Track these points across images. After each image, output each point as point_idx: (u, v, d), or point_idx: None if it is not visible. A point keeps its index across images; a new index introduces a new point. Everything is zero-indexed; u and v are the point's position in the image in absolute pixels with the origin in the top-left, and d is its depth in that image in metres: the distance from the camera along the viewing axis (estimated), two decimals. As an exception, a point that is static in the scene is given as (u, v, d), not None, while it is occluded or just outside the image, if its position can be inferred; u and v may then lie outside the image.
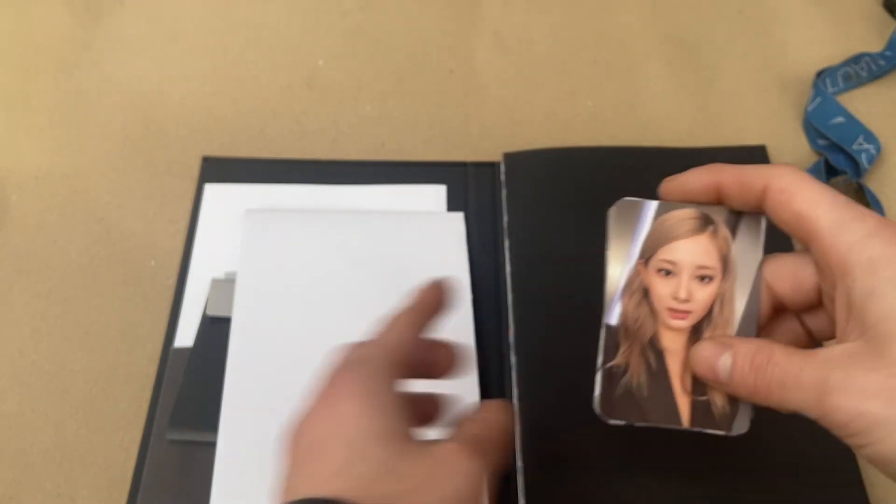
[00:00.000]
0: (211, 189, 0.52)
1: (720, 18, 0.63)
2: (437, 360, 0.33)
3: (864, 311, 0.26)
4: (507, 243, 0.49)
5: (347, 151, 0.54)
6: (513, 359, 0.45)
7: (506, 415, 0.32)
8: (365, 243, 0.49)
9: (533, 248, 0.49)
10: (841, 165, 0.53)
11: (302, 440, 0.28)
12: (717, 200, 0.32)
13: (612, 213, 0.33)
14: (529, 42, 0.61)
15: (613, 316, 0.32)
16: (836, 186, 0.51)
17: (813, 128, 0.55)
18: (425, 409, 0.34)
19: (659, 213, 0.33)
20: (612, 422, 0.31)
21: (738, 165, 0.31)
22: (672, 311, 0.32)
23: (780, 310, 0.32)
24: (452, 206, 0.51)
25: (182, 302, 0.47)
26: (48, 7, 0.62)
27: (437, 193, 0.52)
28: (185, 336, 0.46)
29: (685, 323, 0.32)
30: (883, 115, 0.56)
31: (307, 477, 0.26)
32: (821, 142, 0.55)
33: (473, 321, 0.46)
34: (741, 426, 0.31)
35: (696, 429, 0.31)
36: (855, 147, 0.53)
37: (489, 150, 0.54)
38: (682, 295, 0.32)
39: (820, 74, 0.57)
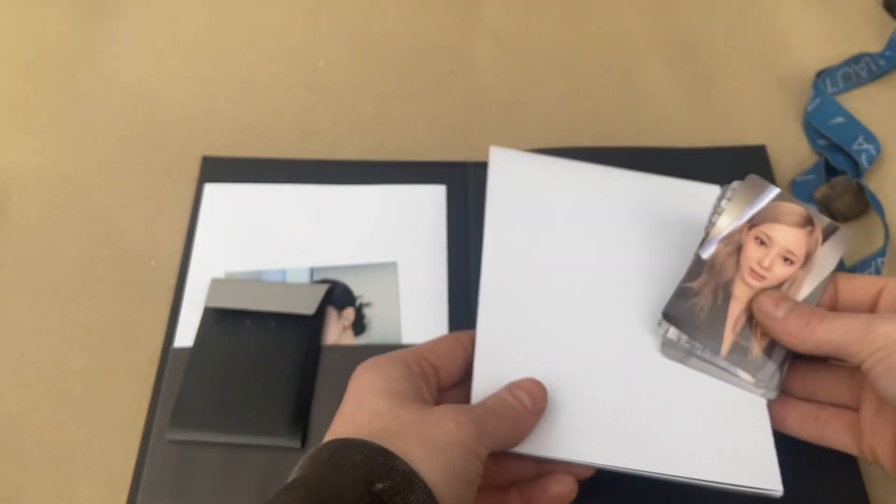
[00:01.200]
0: (210, 189, 0.52)
1: (720, 18, 0.62)
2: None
3: None
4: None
5: (348, 152, 0.54)
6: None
7: (529, 393, 0.36)
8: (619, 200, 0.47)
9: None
10: (841, 165, 0.53)
11: (340, 408, 0.34)
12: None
13: (743, 182, 0.40)
14: (529, 42, 0.61)
15: (707, 251, 0.40)
16: (836, 186, 0.51)
17: (813, 128, 0.55)
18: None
19: (777, 198, 0.40)
20: (665, 326, 0.39)
21: None
22: (752, 271, 0.40)
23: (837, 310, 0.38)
24: (452, 205, 0.51)
25: (181, 302, 0.47)
26: (49, 9, 0.62)
27: (437, 193, 0.52)
28: (185, 336, 0.46)
29: (758, 284, 0.39)
30: (883, 115, 0.56)
31: (331, 430, 0.33)
32: (821, 142, 0.55)
33: (469, 325, 0.46)
34: (768, 384, 0.38)
35: (728, 363, 0.38)
36: (855, 147, 0.53)
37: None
38: (766, 264, 0.40)
39: (820, 74, 0.57)
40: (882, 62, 0.58)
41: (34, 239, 0.51)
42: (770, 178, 0.52)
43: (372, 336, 0.47)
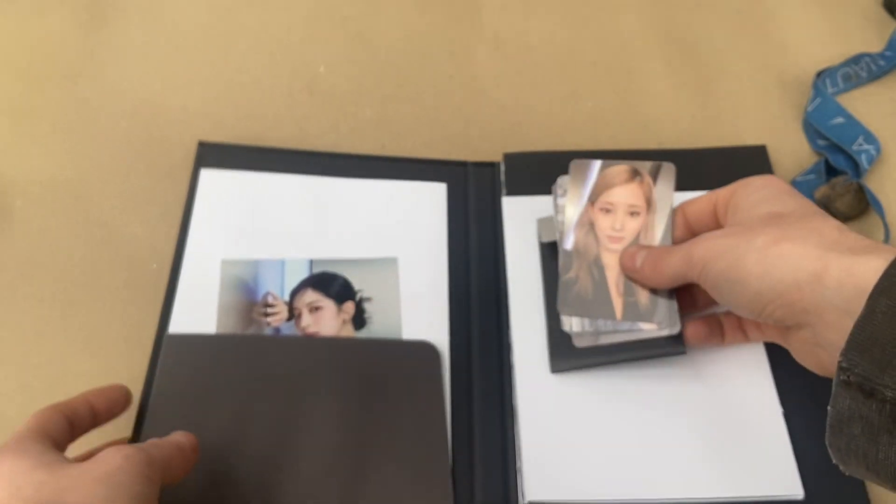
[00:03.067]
0: (207, 175, 0.52)
1: (720, 18, 0.63)
2: (98, 410, 0.39)
3: (734, 212, 0.39)
4: (507, 245, 0.49)
5: (348, 155, 0.55)
6: (513, 359, 0.45)
7: (185, 436, 0.38)
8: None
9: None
10: (841, 166, 0.53)
11: None
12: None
13: (571, 169, 0.45)
14: (529, 45, 0.61)
15: (569, 243, 0.44)
16: (836, 186, 0.51)
17: (813, 128, 0.55)
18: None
19: (602, 168, 0.45)
20: (564, 317, 0.43)
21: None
22: (610, 237, 0.44)
23: (692, 233, 0.42)
24: (453, 203, 0.51)
25: (176, 287, 0.47)
26: (52, 16, 0.62)
27: (437, 191, 0.52)
28: (180, 322, 0.46)
29: (619, 246, 0.44)
30: (883, 116, 0.56)
31: None
32: (821, 142, 0.55)
33: (469, 322, 0.47)
34: (668, 322, 0.42)
35: (628, 324, 0.42)
36: (855, 147, 0.53)
37: (489, 152, 0.54)
38: (617, 226, 0.44)
39: (820, 75, 0.57)
40: (882, 62, 0.58)
41: (37, 243, 0.51)
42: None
43: (372, 330, 0.47)
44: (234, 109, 0.57)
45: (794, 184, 0.53)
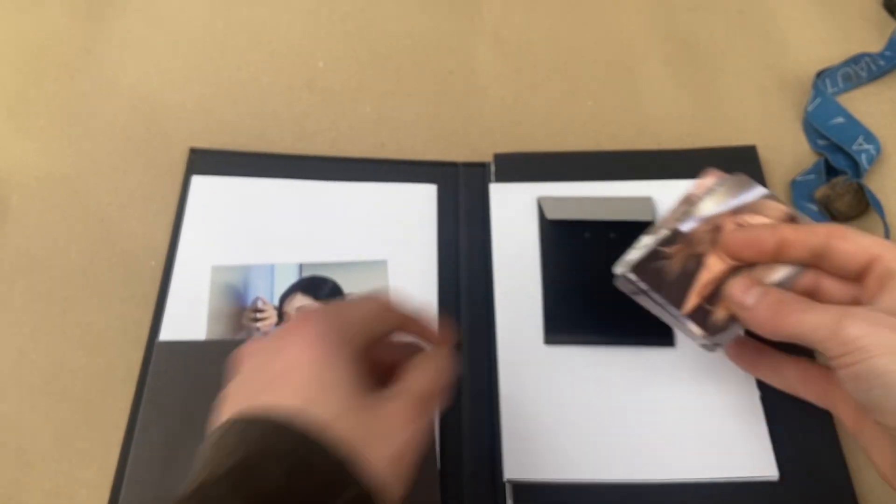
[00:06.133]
0: (198, 181, 0.52)
1: (720, 18, 0.62)
2: (398, 363, 0.34)
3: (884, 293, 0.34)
4: (494, 245, 0.50)
5: (348, 152, 0.54)
6: (496, 338, 0.46)
7: (447, 361, 0.34)
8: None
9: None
10: (841, 165, 0.53)
11: (268, 366, 0.30)
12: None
13: (732, 177, 0.42)
14: (529, 42, 0.61)
15: (687, 226, 0.41)
16: (836, 186, 0.51)
17: (813, 128, 0.55)
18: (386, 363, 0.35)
19: (765, 197, 0.41)
20: (631, 276, 0.40)
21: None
22: None
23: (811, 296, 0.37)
24: (443, 205, 0.51)
25: (167, 295, 0.47)
26: (50, 9, 0.62)
27: (427, 193, 0.52)
28: (170, 329, 0.46)
29: (731, 260, 0.40)
30: (883, 115, 0.56)
31: (274, 393, 0.29)
32: (821, 142, 0.55)
33: (458, 321, 0.47)
34: (717, 341, 0.39)
35: (688, 318, 0.39)
36: (855, 147, 0.53)
37: (489, 150, 0.54)
38: None
39: (820, 74, 0.57)
40: (882, 62, 0.58)
41: (34, 238, 0.51)
42: (760, 177, 0.52)
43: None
44: (232, 105, 0.57)
45: (794, 184, 0.53)
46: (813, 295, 0.38)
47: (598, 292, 0.46)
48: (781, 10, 0.63)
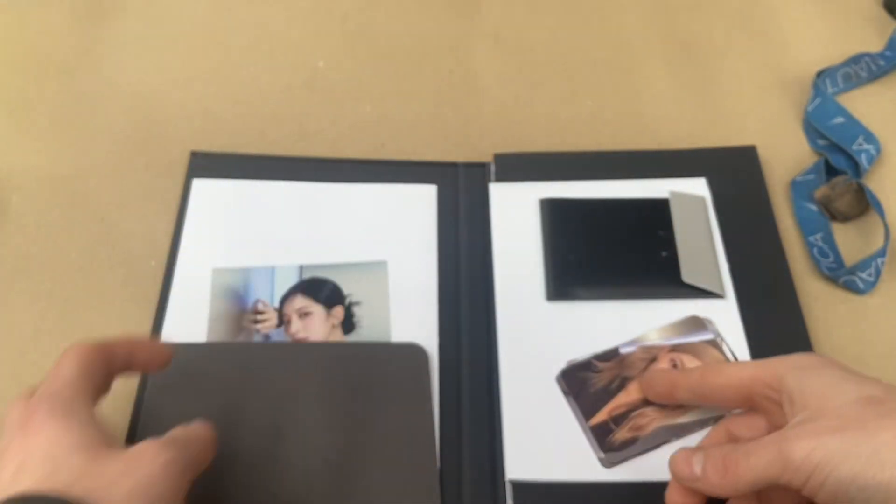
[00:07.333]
0: (199, 185, 0.52)
1: (720, 18, 0.62)
2: (136, 362, 0.37)
3: (801, 399, 0.34)
4: (494, 246, 0.50)
5: (347, 152, 0.54)
6: (497, 337, 0.46)
7: (205, 427, 0.37)
8: None
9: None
10: (841, 165, 0.53)
11: (8, 465, 0.31)
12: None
13: (688, 317, 0.46)
14: (529, 43, 0.61)
15: (627, 349, 0.45)
16: (836, 186, 0.51)
17: (813, 128, 0.55)
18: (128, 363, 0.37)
19: (708, 342, 0.45)
20: (560, 378, 0.44)
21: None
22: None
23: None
24: (443, 206, 0.51)
25: (168, 298, 0.47)
26: (50, 10, 0.62)
27: (427, 193, 0.52)
28: (171, 333, 0.46)
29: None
30: (883, 115, 0.56)
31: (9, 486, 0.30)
32: (821, 142, 0.55)
33: (459, 322, 0.47)
34: (615, 462, 0.42)
35: (591, 431, 0.42)
36: (855, 147, 0.53)
37: (489, 150, 0.54)
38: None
39: (820, 74, 0.57)
40: (882, 62, 0.58)
41: (34, 239, 0.51)
42: (761, 177, 0.52)
43: (361, 334, 0.46)
44: (232, 105, 0.57)
45: (794, 184, 0.53)
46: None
47: (601, 281, 0.48)
48: (781, 10, 0.63)
